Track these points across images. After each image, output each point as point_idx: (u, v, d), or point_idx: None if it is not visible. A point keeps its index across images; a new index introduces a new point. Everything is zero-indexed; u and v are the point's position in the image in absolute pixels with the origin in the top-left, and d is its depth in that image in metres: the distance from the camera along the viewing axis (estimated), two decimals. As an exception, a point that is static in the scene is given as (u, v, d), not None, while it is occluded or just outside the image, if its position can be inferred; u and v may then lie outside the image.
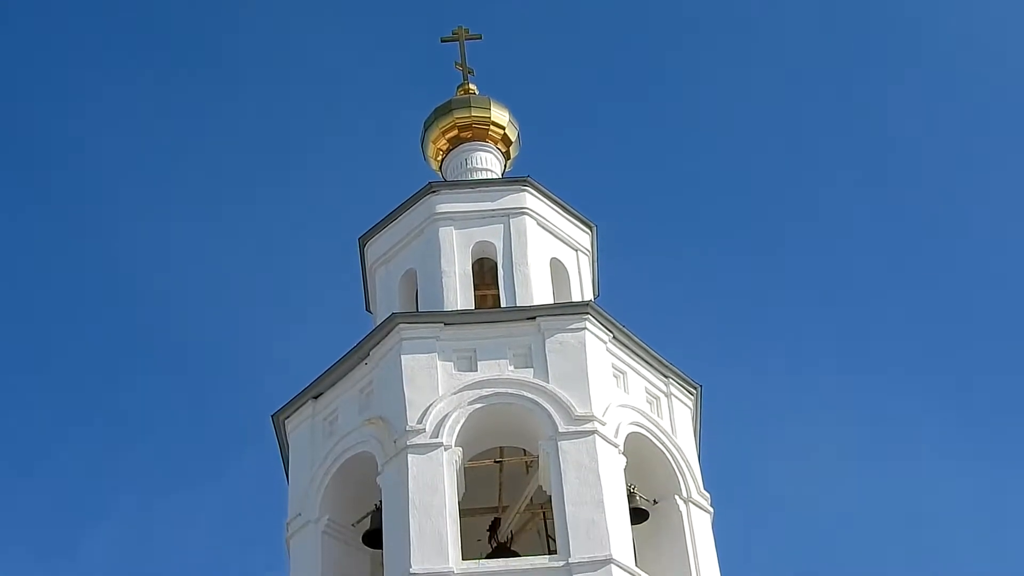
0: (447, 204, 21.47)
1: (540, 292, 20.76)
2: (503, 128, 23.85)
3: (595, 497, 17.91)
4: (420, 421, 18.52)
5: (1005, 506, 42.36)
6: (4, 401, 44.27)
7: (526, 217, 21.41)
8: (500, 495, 20.27)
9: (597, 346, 19.38)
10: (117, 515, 43.82)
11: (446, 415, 18.58)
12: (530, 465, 19.67)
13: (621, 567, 17.43)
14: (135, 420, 44.61)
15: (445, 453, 18.32)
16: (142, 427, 44.61)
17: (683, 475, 19.54)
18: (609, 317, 19.71)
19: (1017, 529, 41.87)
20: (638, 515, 18.98)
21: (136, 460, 44.10)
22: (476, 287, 21.03)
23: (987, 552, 41.67)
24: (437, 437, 18.40)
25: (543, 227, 21.61)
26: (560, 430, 18.45)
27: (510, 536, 20.22)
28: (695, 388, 20.66)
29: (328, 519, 19.15)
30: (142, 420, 44.71)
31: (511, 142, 23.95)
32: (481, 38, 24.93)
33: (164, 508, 43.86)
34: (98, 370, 45.27)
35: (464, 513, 18.42)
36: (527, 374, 19.01)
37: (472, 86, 24.46)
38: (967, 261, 44.50)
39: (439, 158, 23.91)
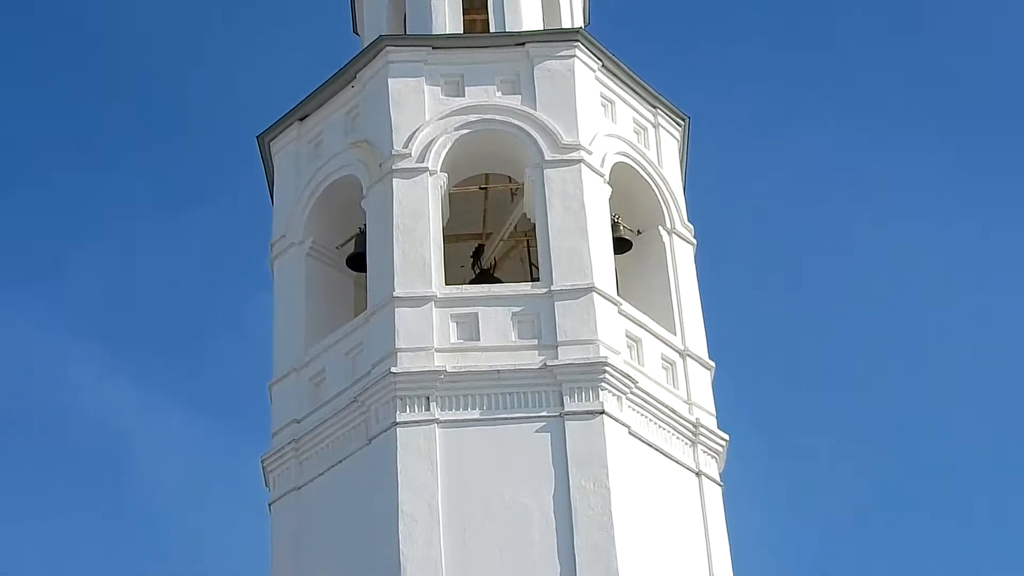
0: (436, -76, 20.95)
1: (530, 18, 20.47)
2: None
3: (579, 226, 17.93)
4: (406, 145, 18.42)
5: (999, 254, 42.53)
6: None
7: (516, -61, 20.94)
8: (484, 222, 20.30)
9: (586, 74, 19.17)
10: (104, 239, 43.97)
11: (432, 140, 18.47)
12: (515, 192, 19.65)
13: (603, 295, 17.55)
14: (121, 143, 44.45)
15: (430, 178, 18.27)
16: (128, 150, 44.45)
17: (667, 206, 19.55)
18: (599, 45, 19.45)
19: (1010, 276, 42.17)
20: (621, 245, 19.03)
21: (123, 184, 44.07)
22: (465, 11, 20.67)
23: (978, 300, 42.07)
24: (423, 162, 18.33)
25: (534, -50, 21.16)
26: (546, 158, 18.37)
27: (493, 263, 20.31)
28: (683, 119, 20.53)
29: (312, 241, 19.20)
30: (128, 143, 44.55)
31: None
32: None
33: (151, 231, 44.00)
34: (85, 94, 44.89)
35: (448, 239, 18.47)
36: (515, 100, 18.85)
37: None
38: (968, 16, 43.85)
39: None
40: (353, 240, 19.01)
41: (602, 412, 16.71)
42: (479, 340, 17.26)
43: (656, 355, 18.12)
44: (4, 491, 40.73)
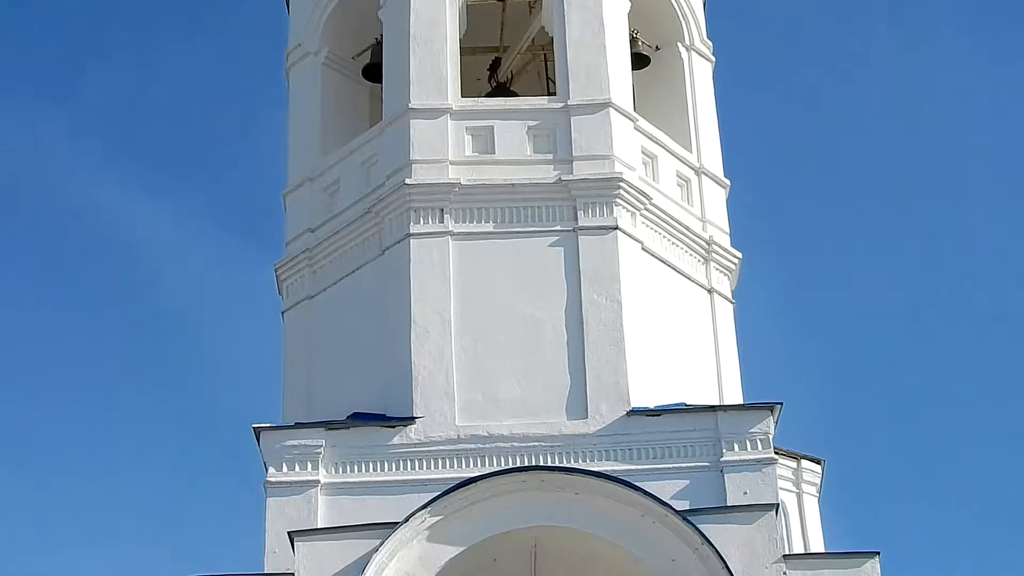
0: None
1: None
2: None
3: (597, 40, 17.76)
4: (424, -45, 18.20)
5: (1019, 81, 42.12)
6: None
7: None
8: (502, 35, 20.10)
9: None
10: (120, 50, 43.71)
11: (451, -51, 18.24)
12: (533, 5, 19.42)
13: (619, 111, 17.45)
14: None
15: (448, -12, 18.09)
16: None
17: (687, 22, 19.33)
18: None
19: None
20: (639, 60, 18.88)
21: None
22: None
23: (995, 124, 41.76)
24: (440, -28, 18.12)
25: None
26: (565, -30, 18.16)
27: (510, 76, 20.16)
28: (705, -66, 20.25)
29: (328, 51, 19.05)
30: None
31: None
32: None
33: (167, 41, 43.71)
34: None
35: (465, 51, 18.29)
36: (535, -80, 18.58)
37: None
38: None
39: None
40: (369, 50, 18.86)
41: (616, 227, 16.72)
42: (494, 153, 17.21)
43: (671, 172, 18.07)
44: (21, 301, 41.13)
